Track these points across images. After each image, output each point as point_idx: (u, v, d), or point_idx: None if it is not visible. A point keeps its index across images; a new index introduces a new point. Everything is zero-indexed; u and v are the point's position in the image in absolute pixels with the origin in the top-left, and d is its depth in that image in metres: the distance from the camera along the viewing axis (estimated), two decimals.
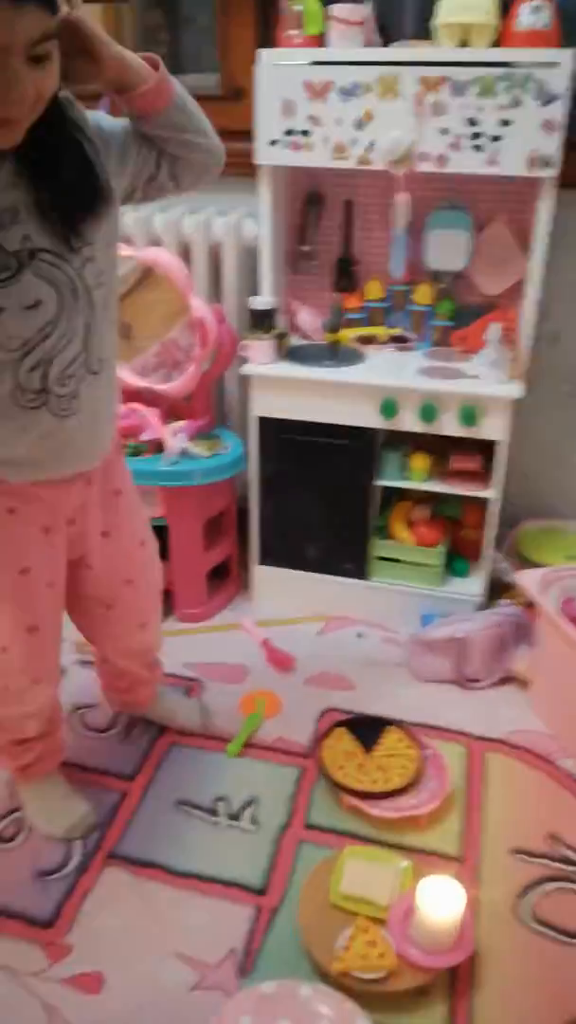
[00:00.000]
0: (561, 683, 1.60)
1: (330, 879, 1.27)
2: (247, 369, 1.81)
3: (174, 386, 1.83)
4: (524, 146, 1.61)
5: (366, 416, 1.78)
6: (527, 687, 1.72)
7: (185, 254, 1.96)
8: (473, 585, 1.92)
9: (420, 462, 1.83)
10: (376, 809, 1.40)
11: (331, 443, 1.82)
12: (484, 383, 1.72)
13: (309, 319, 1.96)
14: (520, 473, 2.06)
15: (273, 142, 1.70)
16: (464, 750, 1.58)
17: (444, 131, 1.64)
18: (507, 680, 1.76)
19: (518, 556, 2.00)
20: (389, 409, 1.74)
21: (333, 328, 1.88)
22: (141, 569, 1.35)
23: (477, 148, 1.64)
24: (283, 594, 2.01)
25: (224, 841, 1.39)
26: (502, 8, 1.59)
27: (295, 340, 1.96)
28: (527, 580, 1.67)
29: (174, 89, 1.03)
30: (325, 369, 1.78)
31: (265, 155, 1.71)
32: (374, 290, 1.94)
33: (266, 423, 1.83)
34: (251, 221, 1.92)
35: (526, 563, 1.94)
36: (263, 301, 1.83)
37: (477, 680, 1.75)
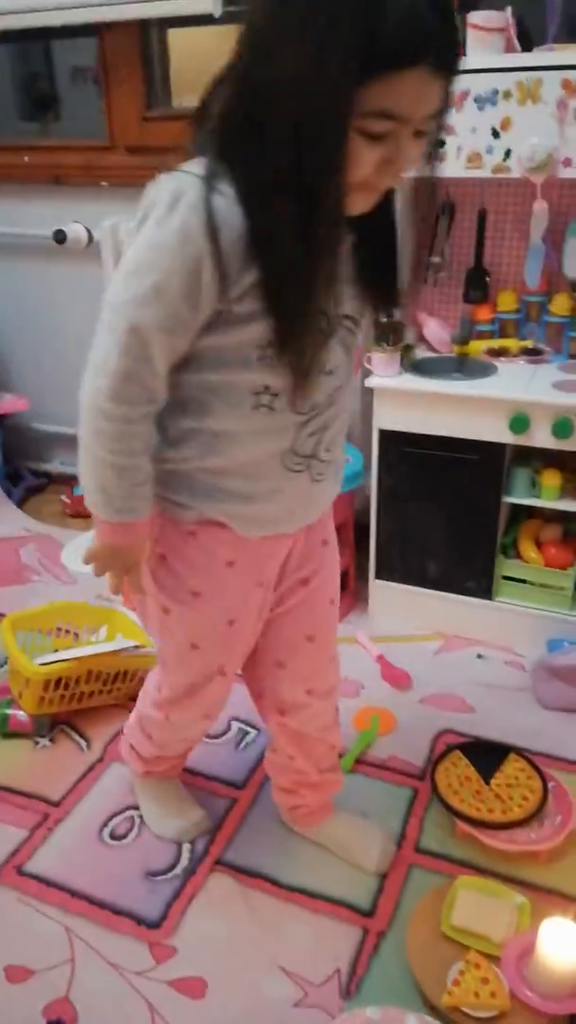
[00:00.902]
0: None
1: (442, 908, 1.22)
2: (371, 381, 1.79)
3: None
4: None
5: (494, 431, 1.72)
6: None
7: None
8: None
9: (552, 479, 1.75)
10: (492, 840, 1.33)
11: (456, 457, 1.77)
12: None
13: (437, 331, 1.92)
14: None
15: None
16: None
17: None
18: None
19: None
20: (519, 424, 1.67)
21: (462, 340, 1.84)
22: (326, 629, 1.22)
23: None
24: (401, 610, 1.96)
25: (331, 858, 1.35)
26: None
27: (422, 352, 1.92)
28: None
29: None
30: (452, 382, 1.74)
31: None
32: (507, 301, 1.89)
33: (388, 436, 1.80)
34: None
35: None
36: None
37: None
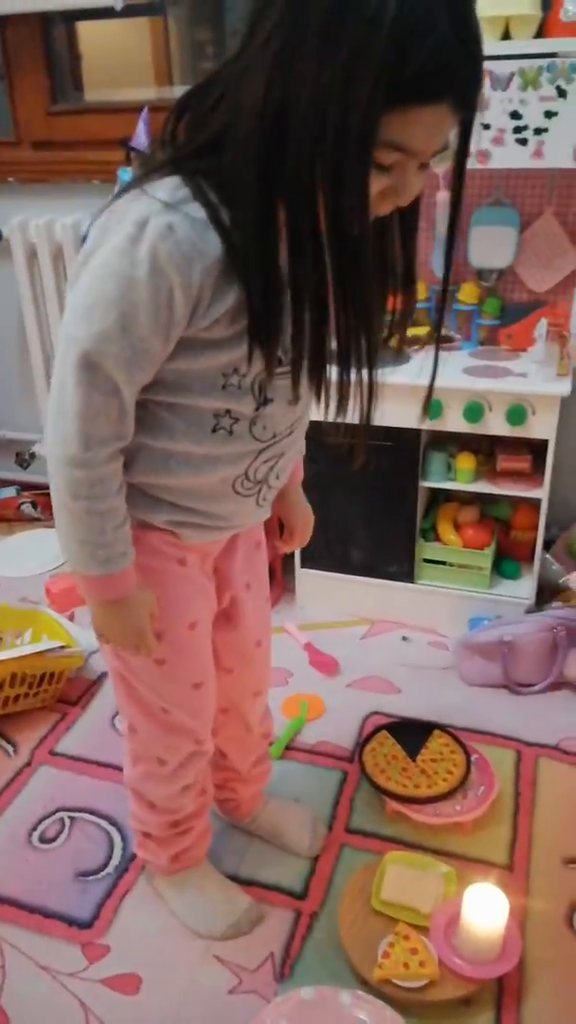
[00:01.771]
0: None
1: (371, 885, 1.24)
2: None
3: None
4: (570, 137, 1.57)
5: (409, 417, 1.73)
6: None
7: None
8: (523, 588, 1.86)
9: (466, 462, 1.80)
10: (419, 814, 1.37)
11: (374, 444, 1.78)
12: (532, 381, 1.67)
13: None
14: (572, 473, 2.00)
15: None
16: (514, 756, 1.53)
17: (486, 126, 1.61)
18: (560, 685, 1.70)
19: (571, 557, 1.94)
20: (432, 409, 1.71)
21: None
22: (267, 631, 1.21)
23: (521, 142, 1.61)
24: (327, 597, 1.98)
25: (264, 845, 1.36)
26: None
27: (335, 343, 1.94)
28: None
29: None
30: None
31: None
32: (417, 290, 1.92)
33: (308, 426, 1.81)
34: None
35: None
36: None
37: (528, 685, 1.69)
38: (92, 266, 0.77)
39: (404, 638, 1.89)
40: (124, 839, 1.38)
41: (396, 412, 1.73)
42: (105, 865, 1.35)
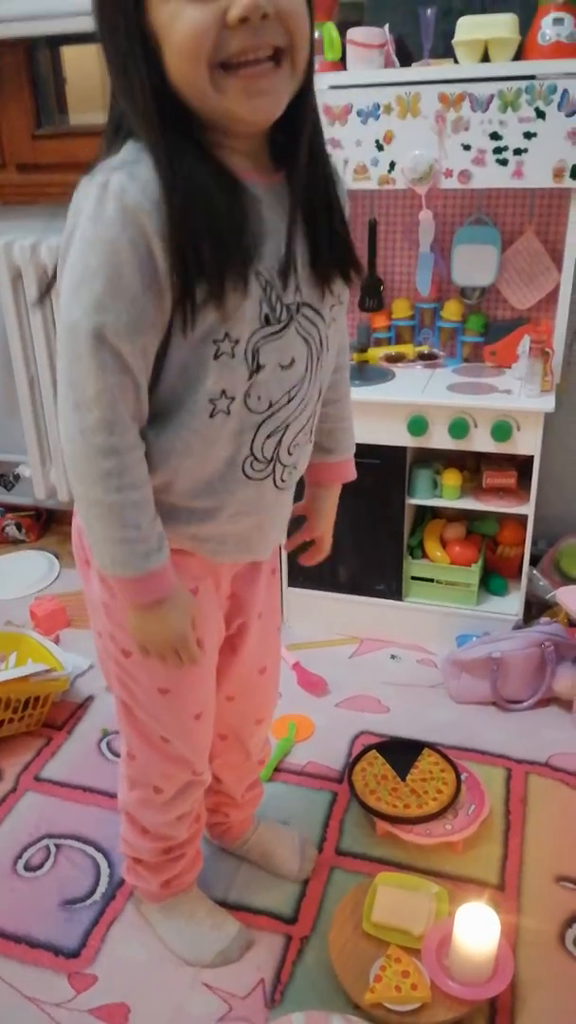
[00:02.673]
0: None
1: (362, 907, 1.22)
2: None
3: None
4: (549, 158, 1.60)
5: (395, 434, 1.75)
6: (570, 708, 1.66)
7: None
8: (511, 604, 1.86)
9: (452, 479, 1.80)
10: (410, 835, 1.35)
11: (360, 462, 1.79)
12: (516, 397, 1.69)
13: None
14: (558, 488, 2.01)
15: None
16: (504, 774, 1.52)
17: (466, 147, 1.63)
18: (548, 701, 1.69)
19: (558, 573, 1.94)
20: (418, 426, 1.72)
21: (360, 347, 1.88)
22: (275, 658, 1.19)
23: (501, 162, 1.63)
24: (314, 616, 1.98)
25: (254, 869, 1.35)
26: (523, 23, 1.59)
27: None
28: (567, 597, 1.62)
29: None
30: (352, 388, 1.76)
31: None
32: (401, 308, 1.93)
33: None
34: None
35: (566, 580, 1.89)
36: None
37: (517, 701, 1.69)
38: (72, 247, 0.78)
39: (393, 656, 1.88)
40: (111, 866, 1.36)
41: (382, 429, 1.75)
42: (92, 893, 1.32)
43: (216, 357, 0.81)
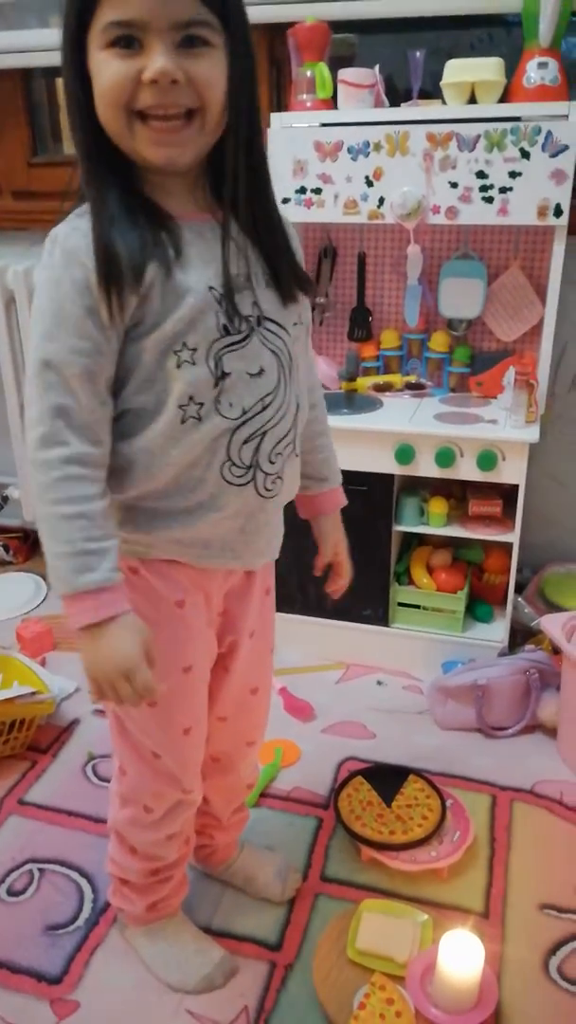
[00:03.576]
0: None
1: (347, 934, 1.22)
2: None
3: None
4: (534, 196, 1.64)
5: (382, 462, 1.78)
6: (555, 735, 1.67)
7: None
8: (496, 631, 1.88)
9: (438, 507, 1.83)
10: (395, 861, 1.36)
11: (348, 489, 1.81)
12: (501, 427, 1.72)
13: (325, 368, 1.98)
14: (543, 517, 2.04)
15: (285, 200, 1.76)
16: (489, 800, 1.53)
17: (454, 184, 1.68)
18: (533, 728, 1.71)
19: (542, 600, 1.96)
20: (405, 455, 1.74)
21: (349, 377, 1.91)
22: (267, 680, 1.20)
23: (487, 200, 1.67)
24: (301, 642, 1.98)
25: (238, 895, 1.34)
26: (509, 66, 1.65)
27: None
28: (551, 625, 1.63)
29: None
30: (340, 416, 1.80)
31: None
32: (389, 339, 1.97)
33: None
34: None
35: (551, 607, 1.91)
36: None
37: (502, 728, 1.70)
38: (34, 296, 0.89)
39: (379, 682, 1.89)
40: (95, 891, 1.36)
41: (369, 457, 1.78)
42: (75, 918, 1.31)
43: (179, 366, 0.87)
